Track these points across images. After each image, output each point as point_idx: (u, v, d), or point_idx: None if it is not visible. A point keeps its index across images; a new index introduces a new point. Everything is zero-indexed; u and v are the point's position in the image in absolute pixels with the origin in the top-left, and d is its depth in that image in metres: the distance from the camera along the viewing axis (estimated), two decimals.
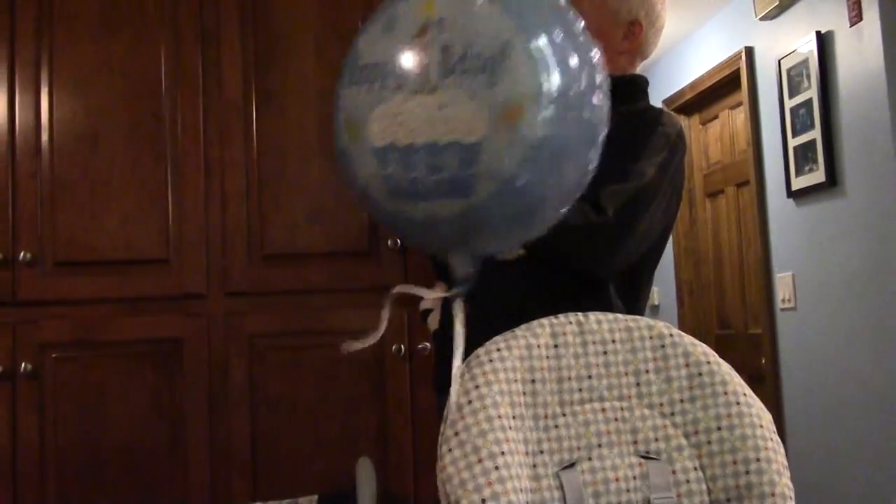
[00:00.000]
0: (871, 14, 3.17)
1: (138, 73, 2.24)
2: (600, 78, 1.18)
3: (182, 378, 2.18)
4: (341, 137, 1.18)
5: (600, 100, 1.18)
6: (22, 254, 2.15)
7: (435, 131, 1.09)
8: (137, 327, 2.19)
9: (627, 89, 1.72)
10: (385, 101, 1.12)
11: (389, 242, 2.23)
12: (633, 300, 1.66)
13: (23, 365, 2.12)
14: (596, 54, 1.19)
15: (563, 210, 1.24)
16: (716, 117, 4.55)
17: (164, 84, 2.25)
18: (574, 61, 1.15)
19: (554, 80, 1.12)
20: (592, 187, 1.44)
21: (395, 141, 1.11)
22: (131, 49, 2.25)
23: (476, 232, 1.16)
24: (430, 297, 1.82)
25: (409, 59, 1.11)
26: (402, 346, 2.22)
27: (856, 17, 3.26)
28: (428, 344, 2.15)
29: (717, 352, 1.31)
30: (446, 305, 1.75)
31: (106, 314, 2.19)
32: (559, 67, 1.13)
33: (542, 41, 1.13)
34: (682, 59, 4.69)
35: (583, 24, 1.20)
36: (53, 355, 2.15)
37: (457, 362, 1.16)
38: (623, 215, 1.52)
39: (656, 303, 4.99)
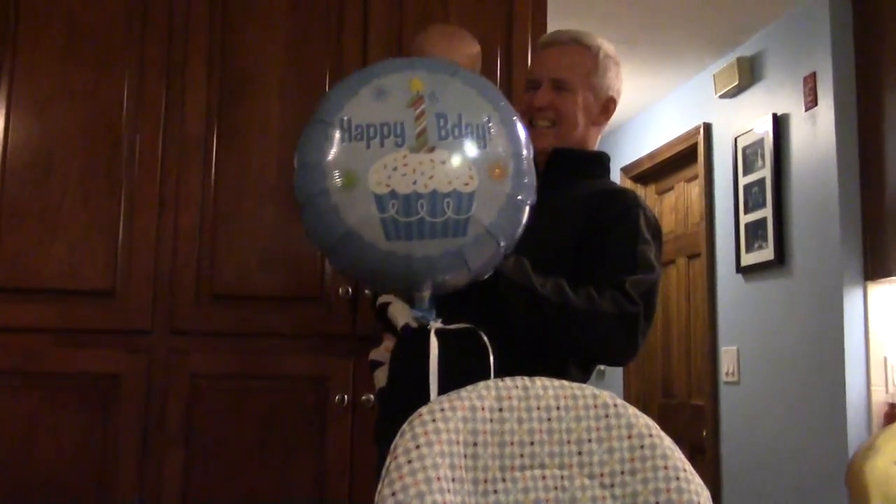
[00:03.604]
0: (826, 100, 3.27)
1: (100, 102, 2.22)
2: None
3: (117, 416, 2.12)
4: (328, 187, 1.39)
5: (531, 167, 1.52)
6: None
7: (437, 182, 1.38)
8: (76, 360, 2.14)
9: (595, 165, 1.80)
10: (385, 156, 1.38)
11: (340, 291, 2.22)
12: (587, 375, 1.70)
13: None
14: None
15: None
16: (671, 188, 4.63)
17: (125, 115, 2.23)
18: (522, 134, 1.49)
19: (517, 148, 1.47)
20: (599, 268, 1.60)
21: (397, 189, 1.37)
22: (95, 77, 2.23)
23: (453, 268, 1.42)
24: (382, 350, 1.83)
25: (408, 124, 1.40)
26: (346, 397, 2.19)
27: (811, 102, 3.36)
28: (372, 396, 2.12)
29: (660, 421, 1.32)
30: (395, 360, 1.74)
31: (44, 344, 2.13)
32: (519, 138, 1.48)
33: (507, 118, 1.48)
34: (642, 129, 4.78)
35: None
36: None
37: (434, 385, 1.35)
38: (646, 304, 1.59)
39: (602, 367, 5.01)
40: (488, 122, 1.44)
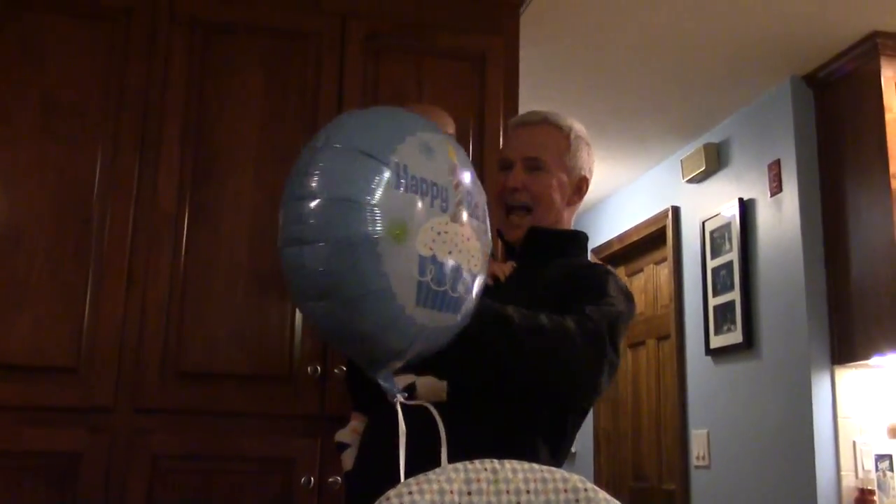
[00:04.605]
0: (791, 186, 3.35)
1: (72, 177, 2.22)
2: None
3: (77, 497, 2.06)
4: (375, 233, 1.22)
5: None
6: None
7: (463, 258, 1.33)
8: (35, 439, 2.08)
9: (572, 244, 1.80)
10: (432, 218, 1.29)
11: (309, 370, 2.19)
12: (556, 451, 1.65)
13: None
14: None
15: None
16: (641, 270, 4.67)
17: (97, 190, 2.22)
18: None
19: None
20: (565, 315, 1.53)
21: (437, 255, 1.29)
22: (68, 152, 2.23)
23: (438, 345, 1.37)
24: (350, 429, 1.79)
25: (451, 191, 1.33)
26: (312, 479, 2.15)
27: (776, 187, 3.43)
28: (339, 478, 2.08)
29: None
30: (365, 444, 1.71)
31: (4, 422, 2.07)
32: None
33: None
34: (612, 211, 4.85)
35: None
36: None
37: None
38: (611, 331, 1.54)
39: (573, 450, 4.96)
40: (486, 210, 1.44)
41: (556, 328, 1.50)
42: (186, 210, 2.26)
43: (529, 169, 1.78)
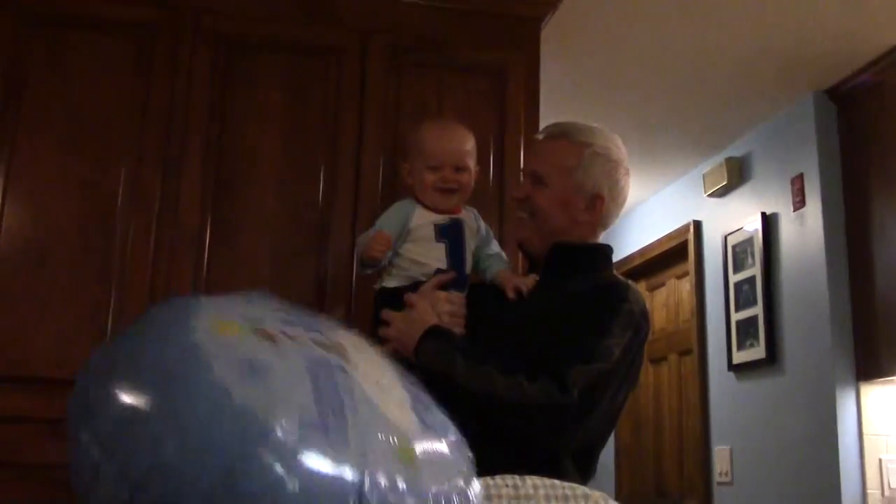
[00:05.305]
0: (814, 201, 3.32)
1: (96, 193, 2.24)
2: None
3: None
4: None
5: None
6: None
7: None
8: (58, 451, 2.08)
9: (590, 258, 1.79)
10: None
11: None
12: (586, 470, 1.64)
13: None
14: None
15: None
16: (663, 285, 4.64)
17: (120, 206, 2.24)
18: None
19: None
20: (557, 358, 1.50)
21: None
22: (92, 168, 2.25)
23: None
24: None
25: None
26: None
27: (799, 202, 3.41)
28: None
29: None
30: None
31: (28, 435, 2.09)
32: None
33: None
34: (633, 225, 4.83)
35: None
36: None
37: None
38: (587, 396, 1.54)
39: None
40: None
41: (511, 402, 1.53)
42: (208, 225, 2.27)
43: (535, 182, 1.80)
